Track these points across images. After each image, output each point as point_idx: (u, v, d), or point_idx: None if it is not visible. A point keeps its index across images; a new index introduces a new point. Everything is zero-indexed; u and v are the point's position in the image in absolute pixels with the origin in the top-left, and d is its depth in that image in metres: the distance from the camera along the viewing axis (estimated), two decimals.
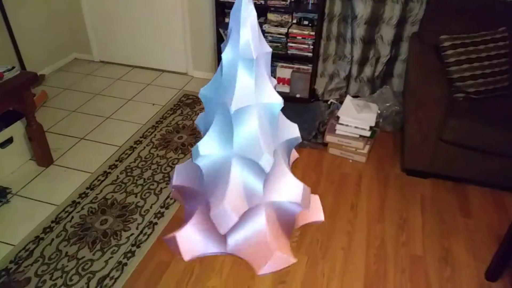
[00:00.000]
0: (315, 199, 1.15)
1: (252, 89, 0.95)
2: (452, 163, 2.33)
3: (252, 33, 0.93)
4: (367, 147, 2.64)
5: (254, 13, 0.95)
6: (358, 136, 2.62)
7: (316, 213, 1.15)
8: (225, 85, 0.99)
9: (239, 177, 0.96)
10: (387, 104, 2.92)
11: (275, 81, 1.11)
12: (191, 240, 1.02)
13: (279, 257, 0.95)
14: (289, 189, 1.02)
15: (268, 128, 1.00)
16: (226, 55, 0.95)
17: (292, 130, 1.08)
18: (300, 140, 1.10)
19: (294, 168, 2.57)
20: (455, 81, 2.36)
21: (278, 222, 1.01)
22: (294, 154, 1.27)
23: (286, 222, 1.03)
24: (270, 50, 1.00)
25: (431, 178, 2.50)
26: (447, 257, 2.01)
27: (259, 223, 0.98)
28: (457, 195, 2.40)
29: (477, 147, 2.21)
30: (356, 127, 2.60)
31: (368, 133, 2.60)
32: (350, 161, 2.67)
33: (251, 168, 0.94)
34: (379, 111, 2.80)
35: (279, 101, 0.98)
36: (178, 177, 1.12)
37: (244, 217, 0.96)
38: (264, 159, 0.91)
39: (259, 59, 0.96)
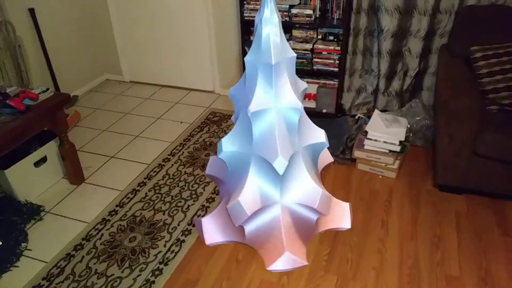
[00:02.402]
0: (344, 206, 1.12)
1: (271, 94, 0.98)
2: (487, 178, 2.23)
3: (272, 38, 0.95)
4: (397, 162, 2.58)
5: (276, 19, 0.98)
6: (387, 151, 2.56)
7: (342, 220, 1.12)
8: (247, 87, 1.03)
9: (257, 175, 0.99)
10: (417, 118, 2.85)
11: (304, 85, 1.11)
12: (214, 227, 1.03)
13: (289, 258, 0.94)
14: (305, 193, 1.01)
15: (287, 132, 1.01)
16: (248, 57, 1.00)
17: (318, 135, 1.07)
18: (327, 145, 1.09)
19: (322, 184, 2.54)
20: (488, 93, 2.27)
21: (293, 224, 1.00)
22: (326, 159, 1.24)
23: (303, 226, 1.01)
24: (294, 55, 1.01)
25: (466, 193, 2.40)
26: (486, 278, 1.91)
27: (274, 221, 0.99)
28: (494, 211, 2.28)
29: None
30: (385, 142, 2.55)
31: (398, 148, 2.54)
32: (380, 177, 2.60)
33: (267, 168, 0.95)
34: (408, 125, 2.73)
35: (298, 106, 0.99)
36: (211, 167, 1.15)
37: (260, 213, 0.97)
38: (278, 161, 0.93)
39: (281, 64, 0.98)
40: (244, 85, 1.04)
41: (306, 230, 0.99)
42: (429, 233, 2.16)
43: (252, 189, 0.95)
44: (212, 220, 1.02)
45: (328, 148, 1.21)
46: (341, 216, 1.11)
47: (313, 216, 0.97)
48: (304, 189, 0.96)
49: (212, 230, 1.02)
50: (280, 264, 0.92)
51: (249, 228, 0.95)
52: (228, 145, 1.02)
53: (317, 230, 1.05)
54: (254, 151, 0.96)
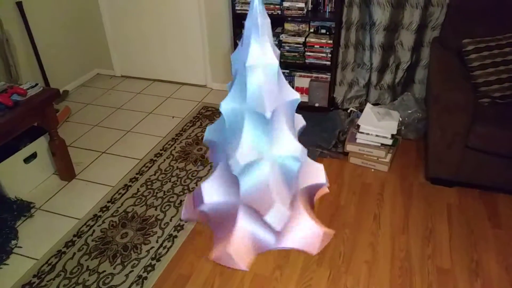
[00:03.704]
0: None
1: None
2: (479, 171, 2.25)
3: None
4: (389, 155, 2.58)
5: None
6: (379, 144, 2.56)
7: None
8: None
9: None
10: (409, 111, 2.85)
11: (302, 122, 1.12)
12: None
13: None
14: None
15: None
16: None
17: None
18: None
19: None
20: (480, 86, 2.28)
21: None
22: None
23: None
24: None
25: (457, 186, 2.41)
26: (477, 270, 1.92)
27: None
28: (485, 204, 2.30)
29: (505, 153, 2.12)
30: (377, 136, 2.55)
31: (390, 142, 2.54)
32: (372, 170, 2.61)
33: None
34: (400, 119, 2.73)
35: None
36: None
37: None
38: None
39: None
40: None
41: (290, 181, 1.04)
42: (421, 226, 2.17)
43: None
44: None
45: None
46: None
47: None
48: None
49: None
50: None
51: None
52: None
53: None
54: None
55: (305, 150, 1.08)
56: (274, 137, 1.03)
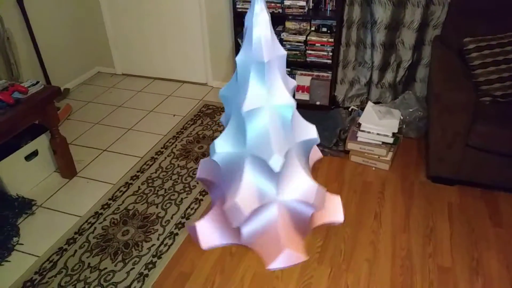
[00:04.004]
0: (335, 199, 1.12)
1: (264, 91, 0.98)
2: (480, 170, 2.25)
3: (264, 36, 0.95)
4: (390, 154, 2.58)
5: (265, 15, 0.97)
6: (380, 143, 2.56)
7: (335, 213, 1.12)
8: (239, 86, 1.02)
9: (252, 175, 0.98)
10: (410, 110, 2.85)
11: (294, 83, 1.11)
12: (210, 231, 1.03)
13: (289, 254, 0.94)
14: (302, 189, 1.01)
15: (281, 129, 1.01)
16: (239, 57, 0.99)
17: (310, 131, 1.07)
18: (318, 141, 1.09)
19: (315, 176, 2.53)
20: (481, 85, 2.28)
21: (291, 220, 1.01)
22: (317, 154, 1.24)
23: (300, 221, 1.02)
24: (285, 53, 1.01)
25: (458, 185, 2.41)
26: (477, 269, 1.92)
27: (271, 220, 0.99)
28: (486, 203, 2.30)
29: (506, 152, 2.12)
30: (378, 134, 2.55)
31: (391, 140, 2.54)
32: (373, 168, 2.61)
33: (263, 167, 0.95)
34: (401, 117, 2.73)
35: (291, 103, 0.98)
36: (202, 170, 1.14)
37: (257, 213, 0.97)
38: (273, 159, 0.93)
39: (272, 61, 0.98)
40: (235, 84, 1.03)
41: (302, 225, 0.99)
42: (422, 224, 2.17)
43: (249, 189, 0.94)
44: (207, 224, 1.01)
45: (321, 140, 1.22)
46: (333, 209, 1.11)
47: (309, 211, 0.97)
48: (300, 185, 0.96)
49: (208, 234, 1.01)
50: (281, 261, 0.91)
51: (246, 229, 0.94)
52: (222, 146, 1.01)
53: (313, 225, 1.05)
54: (249, 150, 0.96)
55: (322, 190, 1.05)
56: (283, 181, 1.01)
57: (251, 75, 0.97)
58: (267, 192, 0.98)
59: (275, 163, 0.92)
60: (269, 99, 0.99)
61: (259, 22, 0.95)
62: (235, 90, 1.05)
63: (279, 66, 1.00)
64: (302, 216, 1.01)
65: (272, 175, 0.95)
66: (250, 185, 0.94)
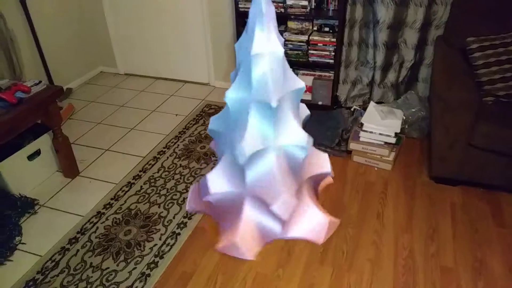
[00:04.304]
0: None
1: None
2: (483, 170, 2.24)
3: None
4: (393, 154, 2.57)
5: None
6: (383, 143, 2.56)
7: (323, 166, 1.15)
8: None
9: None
10: (413, 110, 2.84)
11: (306, 112, 1.11)
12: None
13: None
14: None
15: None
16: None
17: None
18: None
19: None
20: (484, 84, 2.27)
21: (287, 165, 1.03)
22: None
23: (294, 166, 1.04)
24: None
25: (461, 185, 2.41)
26: (480, 269, 1.91)
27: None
28: (489, 203, 2.29)
29: (509, 152, 2.11)
30: (380, 134, 2.54)
31: (393, 140, 2.53)
32: (376, 169, 2.60)
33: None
34: (404, 117, 2.73)
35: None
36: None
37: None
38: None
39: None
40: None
41: (297, 171, 1.03)
42: (424, 225, 2.17)
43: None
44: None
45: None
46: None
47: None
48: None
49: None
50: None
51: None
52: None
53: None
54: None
55: (311, 139, 1.08)
56: (280, 127, 1.03)
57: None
58: (267, 136, 1.00)
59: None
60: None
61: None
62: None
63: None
64: (295, 160, 1.04)
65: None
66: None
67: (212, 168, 1.01)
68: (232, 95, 1.05)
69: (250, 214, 0.99)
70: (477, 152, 2.18)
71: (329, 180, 1.22)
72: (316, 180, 1.15)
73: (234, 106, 1.06)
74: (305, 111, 1.22)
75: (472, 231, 2.12)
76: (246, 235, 0.98)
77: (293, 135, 1.03)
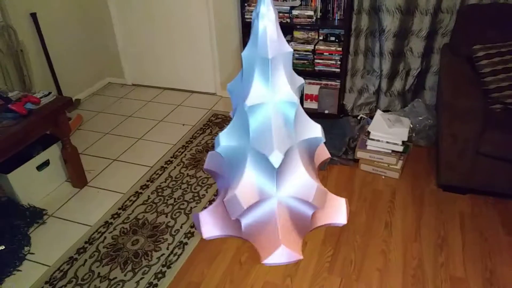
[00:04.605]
0: (340, 201, 1.11)
1: (268, 87, 0.99)
2: (492, 178, 2.22)
3: (269, 33, 0.97)
4: (400, 162, 2.56)
5: (272, 14, 0.99)
6: (390, 151, 2.55)
7: (338, 215, 1.11)
8: (244, 82, 1.04)
9: (253, 169, 1.00)
10: (420, 118, 2.83)
11: (301, 81, 1.12)
12: (212, 221, 1.04)
13: (285, 252, 0.94)
14: (301, 187, 1.02)
15: (283, 126, 1.02)
16: (245, 52, 1.01)
17: (315, 130, 1.08)
18: (323, 140, 1.09)
19: (324, 184, 2.52)
20: (491, 92, 2.26)
21: (290, 218, 1.00)
22: (323, 154, 1.23)
23: (299, 220, 1.01)
24: (290, 50, 1.03)
25: (470, 194, 2.38)
26: (491, 279, 1.89)
27: (270, 215, 0.99)
28: (499, 211, 2.26)
29: None
30: (388, 142, 2.53)
31: (400, 148, 2.52)
32: (383, 177, 2.59)
33: (264, 162, 0.96)
34: (411, 125, 2.72)
35: (294, 101, 1.00)
36: (210, 161, 1.16)
37: (256, 206, 0.97)
38: (273, 155, 0.93)
39: (277, 58, 0.99)
40: (242, 80, 1.05)
41: (302, 224, 0.99)
42: (433, 234, 2.14)
43: (249, 183, 0.95)
44: (210, 214, 1.02)
45: (330, 149, 1.21)
46: (337, 211, 1.10)
47: (309, 210, 0.97)
48: (300, 183, 0.96)
49: (210, 224, 1.02)
50: (276, 257, 0.91)
51: (245, 221, 0.96)
52: (226, 139, 1.03)
53: (313, 225, 1.04)
54: (251, 145, 0.97)
55: (326, 194, 1.05)
56: (285, 178, 1.01)
57: (256, 71, 0.99)
58: (266, 188, 0.98)
59: (275, 159, 0.93)
60: (272, 95, 1.00)
61: (265, 18, 0.97)
62: (241, 84, 1.08)
63: (284, 63, 1.02)
64: (301, 215, 1.01)
65: (273, 171, 0.96)
66: (250, 179, 0.96)
67: (204, 207, 0.99)
68: (224, 142, 1.04)
69: (251, 169, 0.99)
70: (485, 160, 2.17)
71: (326, 155, 1.20)
72: (311, 149, 1.13)
73: (227, 154, 1.06)
74: (324, 154, 1.20)
75: (482, 240, 2.09)
76: (245, 189, 0.99)
77: (302, 191, 1.01)
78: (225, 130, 1.03)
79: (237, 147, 1.01)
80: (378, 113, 2.76)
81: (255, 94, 0.97)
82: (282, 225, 0.97)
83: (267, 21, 0.97)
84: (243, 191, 0.94)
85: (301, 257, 0.99)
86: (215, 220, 1.04)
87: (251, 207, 0.96)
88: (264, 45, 0.96)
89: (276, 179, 0.96)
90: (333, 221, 1.09)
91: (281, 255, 0.95)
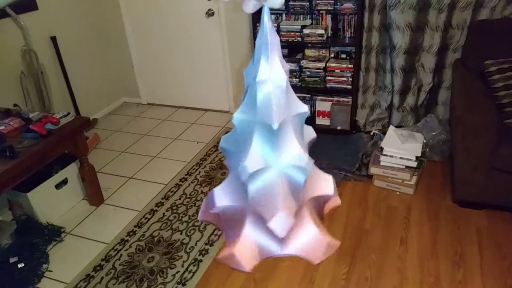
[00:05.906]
0: (327, 177, 1.14)
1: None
2: (508, 193, 2.19)
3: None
4: (415, 178, 2.55)
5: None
6: (404, 167, 2.54)
7: (326, 188, 1.14)
8: (241, 146, 1.02)
9: (259, 140, 1.01)
10: (433, 133, 2.82)
11: (312, 134, 1.12)
12: (224, 193, 1.06)
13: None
14: (295, 155, 1.03)
15: (289, 192, 1.04)
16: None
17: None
18: (308, 113, 1.10)
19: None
20: (505, 107, 2.25)
21: (288, 185, 1.02)
22: (311, 135, 1.24)
23: (295, 188, 1.03)
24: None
25: (486, 209, 2.35)
26: None
27: (272, 182, 1.01)
28: None
29: None
30: (401, 158, 2.53)
31: (414, 164, 2.51)
32: (397, 193, 2.58)
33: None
34: (424, 141, 2.71)
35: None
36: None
37: (261, 173, 0.99)
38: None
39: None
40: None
41: (297, 192, 1.04)
42: (450, 250, 2.12)
43: (256, 154, 1.00)
44: (222, 188, 1.08)
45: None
46: (325, 185, 1.14)
47: (302, 177, 1.01)
48: (293, 152, 1.01)
49: (222, 196, 1.08)
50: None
51: (252, 187, 1.00)
52: (239, 115, 1.06)
53: (307, 196, 1.09)
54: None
55: (312, 160, 1.10)
56: (281, 148, 1.05)
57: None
58: (269, 157, 1.02)
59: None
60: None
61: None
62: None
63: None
64: (296, 180, 1.05)
65: (273, 142, 0.99)
66: (256, 149, 1.00)
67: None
68: (238, 117, 1.09)
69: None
70: (501, 175, 2.15)
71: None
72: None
73: (240, 127, 1.10)
74: (311, 134, 1.24)
75: (500, 256, 2.06)
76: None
77: (294, 157, 1.05)
78: (240, 107, 1.04)
79: (248, 120, 1.04)
80: (391, 128, 2.76)
81: (254, 160, 0.97)
82: (281, 192, 1.01)
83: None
84: (251, 159, 0.99)
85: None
86: (227, 192, 1.10)
87: (256, 174, 1.00)
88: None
89: (275, 149, 1.01)
90: (323, 192, 1.12)
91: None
